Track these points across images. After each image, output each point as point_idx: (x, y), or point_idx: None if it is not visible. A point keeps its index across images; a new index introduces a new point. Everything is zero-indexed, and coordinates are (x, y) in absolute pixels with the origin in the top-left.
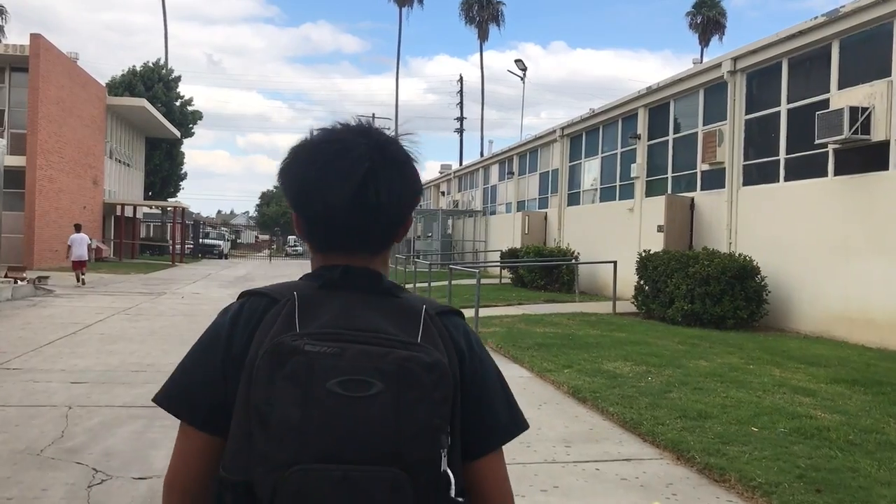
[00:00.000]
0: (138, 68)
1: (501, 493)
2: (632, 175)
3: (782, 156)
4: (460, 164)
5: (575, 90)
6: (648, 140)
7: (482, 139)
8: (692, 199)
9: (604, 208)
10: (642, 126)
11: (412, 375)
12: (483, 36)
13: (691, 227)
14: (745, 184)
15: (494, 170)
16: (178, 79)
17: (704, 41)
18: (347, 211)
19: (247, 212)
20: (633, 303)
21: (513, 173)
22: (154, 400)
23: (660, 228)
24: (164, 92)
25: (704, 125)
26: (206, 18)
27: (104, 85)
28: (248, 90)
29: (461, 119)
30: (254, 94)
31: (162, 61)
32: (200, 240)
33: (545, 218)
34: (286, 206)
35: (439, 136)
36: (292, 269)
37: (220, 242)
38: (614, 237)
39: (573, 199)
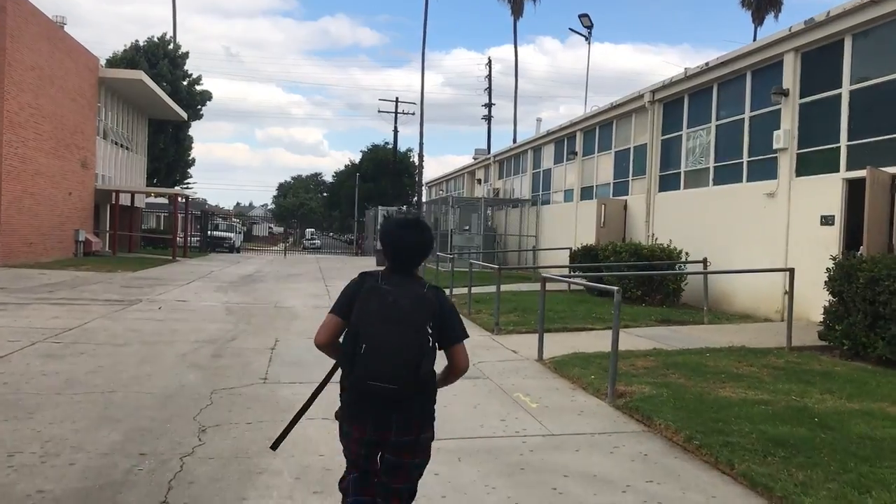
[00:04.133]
0: (142, 43)
1: (462, 360)
2: (774, 146)
3: None
4: (488, 150)
5: (594, 85)
6: (801, 97)
7: (515, 124)
8: (893, 176)
9: (720, 193)
10: (791, 78)
11: (421, 298)
12: (518, 11)
13: (892, 220)
14: None
15: (548, 151)
16: (186, 55)
17: (759, 19)
18: (404, 250)
19: (265, 204)
20: (822, 331)
21: (576, 153)
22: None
23: (826, 221)
24: (171, 69)
25: None
26: (225, 12)
27: (100, 59)
28: (267, 84)
29: (489, 105)
30: (273, 87)
31: (169, 36)
32: (209, 232)
33: (625, 207)
34: (304, 196)
35: (458, 130)
36: (308, 267)
37: (232, 235)
38: (739, 232)
39: (667, 183)
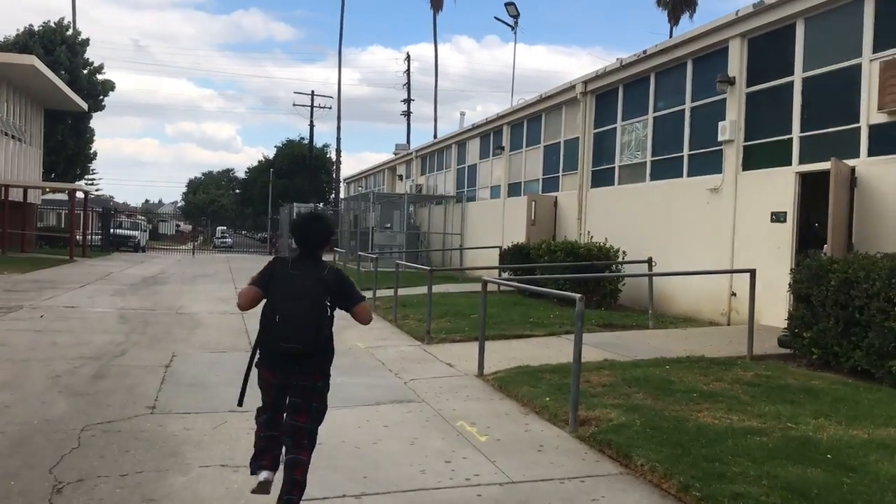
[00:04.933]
0: (37, 28)
1: (362, 315)
2: (719, 138)
3: None
4: (408, 146)
5: (510, 85)
6: (748, 86)
7: (435, 119)
8: (852, 169)
9: (659, 189)
10: (737, 65)
11: (320, 279)
12: (437, 5)
13: (850, 217)
14: None
15: (473, 145)
16: (87, 42)
17: (674, 19)
18: (309, 239)
19: (175, 201)
20: (785, 338)
21: (503, 148)
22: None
23: (777, 217)
24: (69, 57)
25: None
26: (134, 3)
27: None
28: (178, 78)
29: (408, 101)
30: (184, 81)
31: (67, 21)
32: (112, 230)
33: (555, 203)
34: (215, 193)
35: (376, 128)
36: (217, 268)
37: (137, 233)
38: (680, 230)
39: (601, 178)
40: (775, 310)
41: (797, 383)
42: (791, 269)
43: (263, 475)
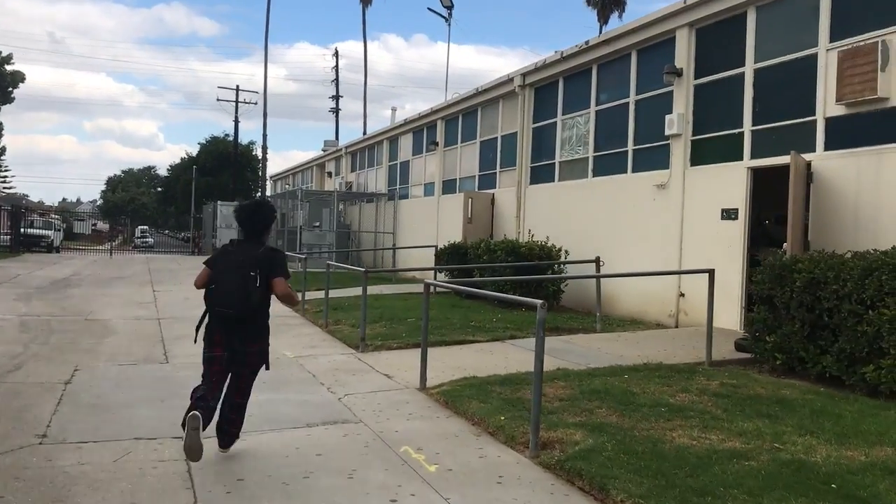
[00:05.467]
0: None
1: (278, 287)
2: (666, 132)
3: None
4: (336, 142)
5: (438, 84)
6: (697, 78)
7: (365, 116)
8: (808, 163)
9: (602, 186)
10: (685, 56)
11: (252, 255)
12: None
13: (806, 214)
14: None
15: (406, 141)
16: None
17: (604, 18)
18: (248, 223)
19: (94, 200)
20: (745, 342)
21: (437, 143)
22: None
23: (728, 214)
24: None
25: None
26: None
27: None
28: (97, 72)
29: (337, 97)
30: (103, 76)
31: None
32: (23, 229)
33: (492, 201)
34: (135, 191)
35: (303, 125)
36: (136, 269)
37: (50, 233)
38: (625, 227)
39: (540, 175)
40: (727, 311)
41: (767, 393)
42: (744, 268)
43: (194, 413)
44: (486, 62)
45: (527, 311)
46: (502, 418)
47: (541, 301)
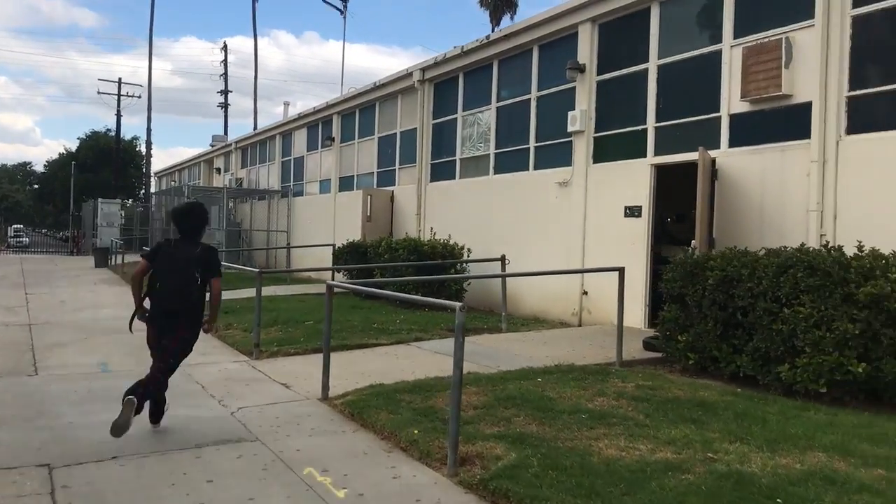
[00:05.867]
0: None
1: (216, 287)
2: (569, 128)
3: None
4: (226, 137)
5: (329, 83)
6: (599, 74)
7: (256, 111)
8: (713, 160)
9: (504, 183)
10: (588, 52)
11: (191, 255)
12: None
13: (711, 211)
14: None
15: (300, 136)
16: None
17: (496, 20)
18: (182, 225)
19: None
20: (655, 342)
21: (333, 139)
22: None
23: (632, 212)
24: None
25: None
26: None
27: None
28: None
29: (226, 92)
30: None
31: None
32: None
33: (392, 198)
34: (8, 188)
35: (190, 122)
36: (7, 270)
37: None
38: (528, 225)
39: (441, 172)
40: (632, 309)
41: (685, 395)
42: (647, 266)
43: (129, 397)
44: (379, 61)
45: (430, 311)
46: (416, 431)
47: (459, 304)
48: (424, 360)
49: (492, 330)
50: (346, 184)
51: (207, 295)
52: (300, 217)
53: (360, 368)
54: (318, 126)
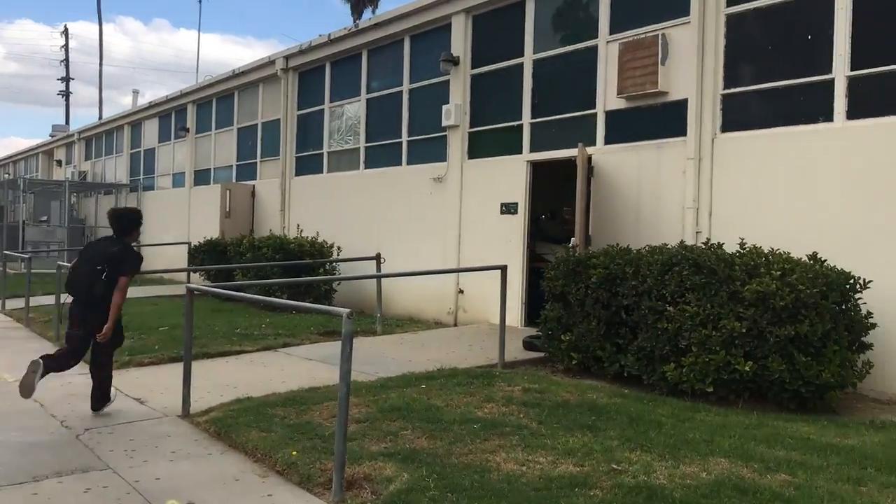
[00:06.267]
0: None
1: (122, 284)
2: (444, 123)
3: None
4: (67, 127)
5: (182, 73)
6: (474, 67)
7: (101, 101)
8: (589, 157)
9: (376, 178)
10: (462, 44)
11: (104, 251)
12: None
13: (587, 209)
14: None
15: (151, 127)
16: None
17: (358, 13)
18: (112, 224)
19: None
20: (535, 341)
21: (187, 130)
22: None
23: (508, 209)
24: None
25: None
26: None
27: None
28: None
29: (67, 79)
30: None
31: None
32: None
33: (253, 193)
34: None
35: (26, 110)
36: None
37: None
38: (401, 222)
39: (307, 166)
40: (509, 307)
41: (575, 399)
42: (524, 264)
43: (36, 359)
44: (233, 52)
45: (298, 314)
46: (293, 452)
47: (347, 310)
48: (295, 368)
49: (366, 332)
50: (202, 177)
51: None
52: (151, 213)
53: (224, 379)
54: (171, 116)
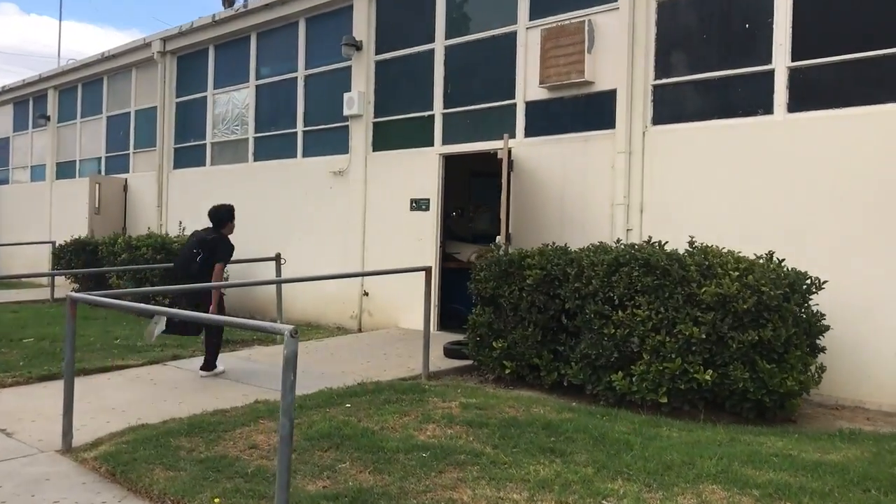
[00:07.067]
0: None
1: (216, 273)
2: (346, 112)
3: None
4: None
5: (31, 62)
6: (378, 53)
7: None
8: (508, 150)
9: (267, 171)
10: (365, 28)
11: (199, 239)
12: None
13: (508, 205)
14: None
15: (5, 115)
16: None
17: (228, 2)
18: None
19: None
20: (458, 346)
21: (48, 118)
22: None
23: (419, 205)
24: None
25: None
26: None
27: None
28: None
29: None
30: None
31: None
32: None
33: (125, 188)
34: None
35: None
36: None
37: None
38: (297, 219)
39: (188, 158)
40: (417, 311)
41: (522, 415)
42: (437, 264)
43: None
44: (92, 40)
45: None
46: (216, 500)
47: (291, 327)
48: (192, 385)
49: (264, 341)
50: (66, 170)
51: None
52: (6, 209)
53: (108, 401)
54: (28, 102)
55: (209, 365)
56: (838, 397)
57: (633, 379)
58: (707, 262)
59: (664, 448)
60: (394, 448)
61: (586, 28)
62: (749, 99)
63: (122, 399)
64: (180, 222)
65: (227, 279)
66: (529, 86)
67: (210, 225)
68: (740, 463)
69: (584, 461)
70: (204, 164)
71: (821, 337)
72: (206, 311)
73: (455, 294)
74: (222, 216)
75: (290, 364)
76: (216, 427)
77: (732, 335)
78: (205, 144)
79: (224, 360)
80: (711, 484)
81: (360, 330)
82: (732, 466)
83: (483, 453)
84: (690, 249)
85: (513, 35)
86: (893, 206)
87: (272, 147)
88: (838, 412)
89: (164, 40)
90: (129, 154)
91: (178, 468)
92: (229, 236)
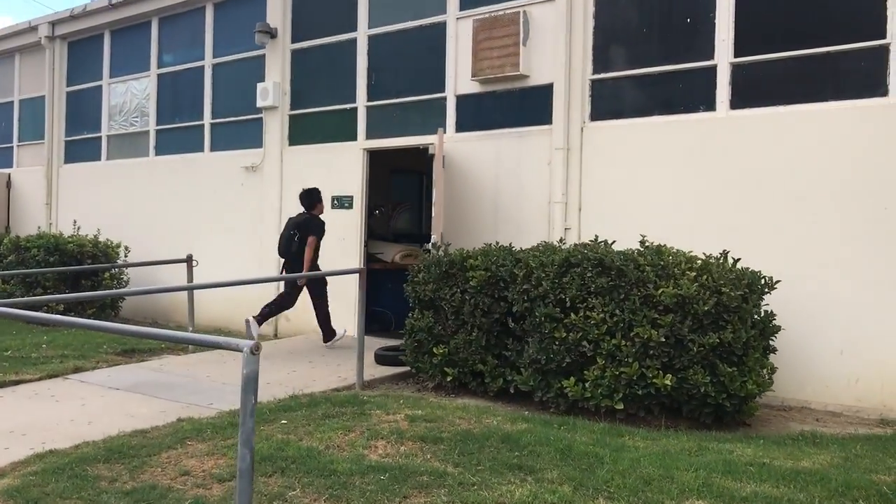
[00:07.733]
0: None
1: (310, 245)
2: (259, 103)
3: None
4: None
5: None
6: (295, 41)
7: None
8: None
9: (171, 166)
10: (280, 14)
11: (297, 220)
12: None
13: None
14: None
15: None
16: None
17: None
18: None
19: None
20: (392, 352)
21: None
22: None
23: (341, 203)
24: None
25: None
26: None
27: None
28: None
29: None
30: None
31: None
32: None
33: (8, 184)
34: None
35: None
36: None
37: None
38: (206, 217)
39: (81, 151)
40: (344, 315)
41: (475, 427)
42: (361, 265)
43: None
44: None
45: (76, 330)
46: None
47: (252, 343)
48: (100, 401)
49: (175, 350)
50: None
51: None
52: None
53: (5, 423)
54: None
55: (328, 335)
56: (783, 398)
57: (587, 385)
58: (662, 262)
59: (636, 460)
60: (346, 470)
61: (521, 19)
62: (691, 95)
63: (20, 421)
64: (75, 221)
65: (315, 256)
66: (461, 79)
67: (302, 209)
68: (719, 474)
69: (558, 478)
70: (99, 159)
71: (773, 338)
72: (303, 285)
73: (380, 296)
74: (313, 198)
75: (251, 385)
76: (139, 451)
77: (692, 338)
78: (100, 137)
79: (133, 372)
80: (697, 500)
81: (276, 336)
82: (712, 479)
83: (446, 473)
84: (642, 249)
85: (442, 25)
86: (838, 203)
87: (176, 140)
88: (787, 413)
89: (53, 24)
90: (13, 147)
91: (100, 503)
92: (320, 216)
